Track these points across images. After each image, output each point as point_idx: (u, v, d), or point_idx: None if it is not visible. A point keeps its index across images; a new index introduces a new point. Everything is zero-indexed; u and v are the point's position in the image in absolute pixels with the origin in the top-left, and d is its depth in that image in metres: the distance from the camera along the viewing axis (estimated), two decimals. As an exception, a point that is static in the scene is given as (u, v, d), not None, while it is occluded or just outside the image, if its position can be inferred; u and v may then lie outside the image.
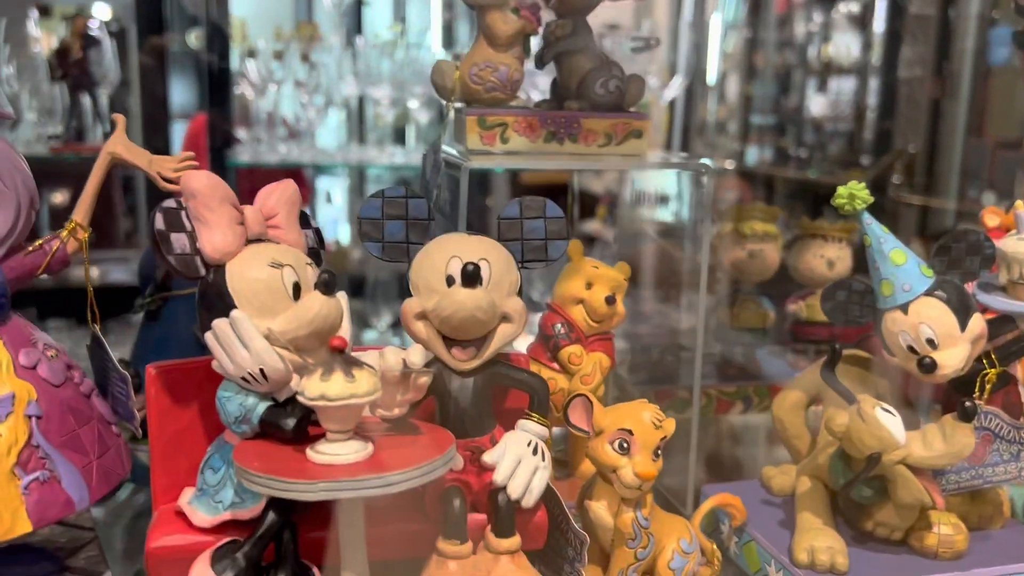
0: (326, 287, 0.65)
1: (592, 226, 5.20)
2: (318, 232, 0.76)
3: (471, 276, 0.68)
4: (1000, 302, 0.82)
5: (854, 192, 0.82)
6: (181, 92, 2.44)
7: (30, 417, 0.67)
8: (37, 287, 0.78)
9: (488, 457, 0.71)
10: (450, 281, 0.70)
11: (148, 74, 1.90)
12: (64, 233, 0.74)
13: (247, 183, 2.85)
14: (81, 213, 0.75)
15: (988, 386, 0.82)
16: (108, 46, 1.80)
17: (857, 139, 3.97)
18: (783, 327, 1.29)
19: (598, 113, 0.98)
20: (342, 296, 0.69)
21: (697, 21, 2.80)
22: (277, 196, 0.70)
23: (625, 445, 0.74)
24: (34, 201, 0.71)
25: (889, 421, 0.77)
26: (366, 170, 2.81)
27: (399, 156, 2.26)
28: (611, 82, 0.97)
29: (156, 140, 1.90)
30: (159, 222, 0.65)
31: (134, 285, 1.12)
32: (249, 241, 0.68)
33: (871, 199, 0.83)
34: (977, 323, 0.80)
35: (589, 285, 0.90)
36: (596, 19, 1.02)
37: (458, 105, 0.99)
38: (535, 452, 0.71)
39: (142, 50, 1.87)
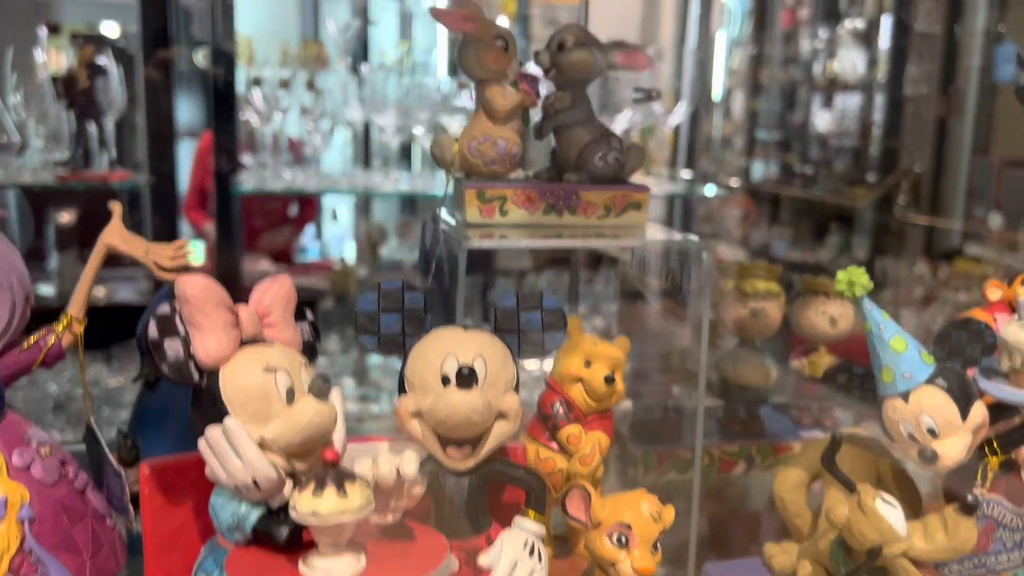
0: (319, 393, 0.65)
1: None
2: (314, 325, 0.75)
3: (466, 379, 0.68)
4: (1002, 390, 0.81)
5: (853, 279, 0.82)
6: (187, 111, 2.44)
7: (23, 521, 0.66)
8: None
9: (484, 560, 0.70)
10: (445, 380, 0.70)
11: (154, 92, 1.90)
12: (60, 327, 0.74)
13: (255, 207, 2.84)
14: (76, 306, 0.74)
15: (990, 474, 0.81)
16: (115, 74, 1.81)
17: (863, 156, 3.95)
18: (787, 384, 1.28)
19: (597, 186, 0.98)
20: (336, 397, 0.68)
21: (702, 41, 2.79)
22: (272, 294, 0.70)
23: (624, 539, 0.73)
24: (29, 298, 0.71)
25: (890, 513, 0.76)
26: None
27: (404, 182, 2.25)
28: (610, 155, 0.97)
29: (162, 159, 1.90)
30: (152, 330, 0.65)
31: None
32: (244, 342, 0.68)
33: (871, 285, 0.82)
34: (979, 412, 0.79)
35: (588, 363, 0.89)
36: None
37: (458, 175, 0.98)
38: (531, 553, 0.71)
39: (148, 67, 1.87)
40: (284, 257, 3.00)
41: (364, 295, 0.74)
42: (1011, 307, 0.98)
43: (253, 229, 2.90)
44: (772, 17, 4.41)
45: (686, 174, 2.73)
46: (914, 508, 0.87)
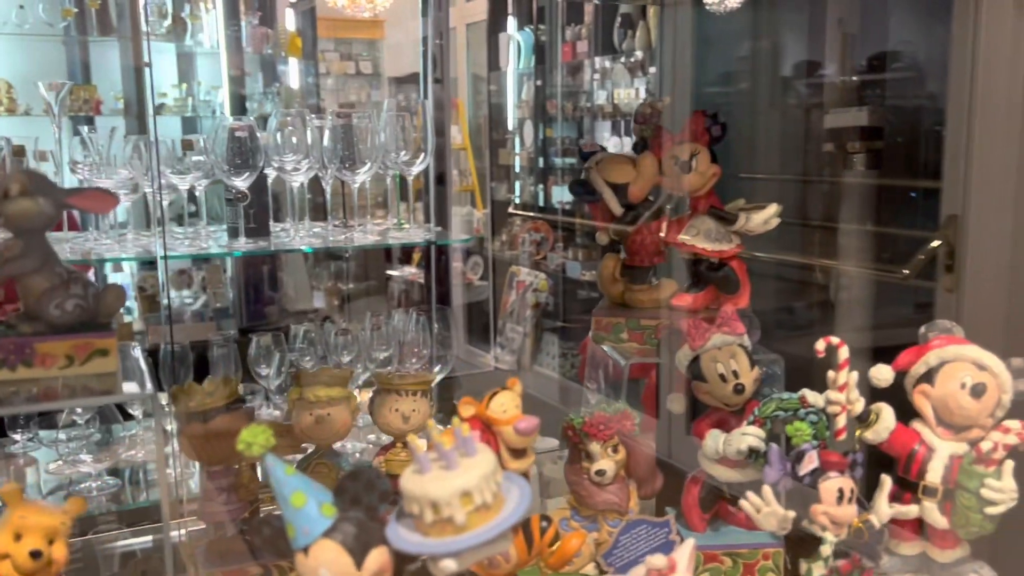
0: None
1: (408, 270, 5.23)
2: None
3: None
4: (400, 539, 0.84)
5: (251, 440, 0.82)
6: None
7: None
8: None
9: None
10: None
11: None
12: None
13: None
14: None
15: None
16: None
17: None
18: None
19: (55, 336, 0.95)
20: None
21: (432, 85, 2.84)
22: None
23: None
24: None
25: None
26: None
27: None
28: (68, 302, 0.94)
29: None
30: None
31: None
32: None
33: (272, 443, 0.83)
34: (375, 560, 0.81)
35: (18, 537, 0.86)
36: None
37: None
38: None
39: None
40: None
41: None
42: (483, 423, 1.02)
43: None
44: (554, 51, 4.55)
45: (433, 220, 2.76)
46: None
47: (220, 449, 1.16)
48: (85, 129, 2.32)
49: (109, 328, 0.97)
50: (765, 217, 1.28)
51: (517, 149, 4.85)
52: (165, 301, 2.92)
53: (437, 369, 1.76)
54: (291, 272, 4.02)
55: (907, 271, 2.14)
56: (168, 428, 1.49)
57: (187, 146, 2.10)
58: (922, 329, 1.12)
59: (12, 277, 0.94)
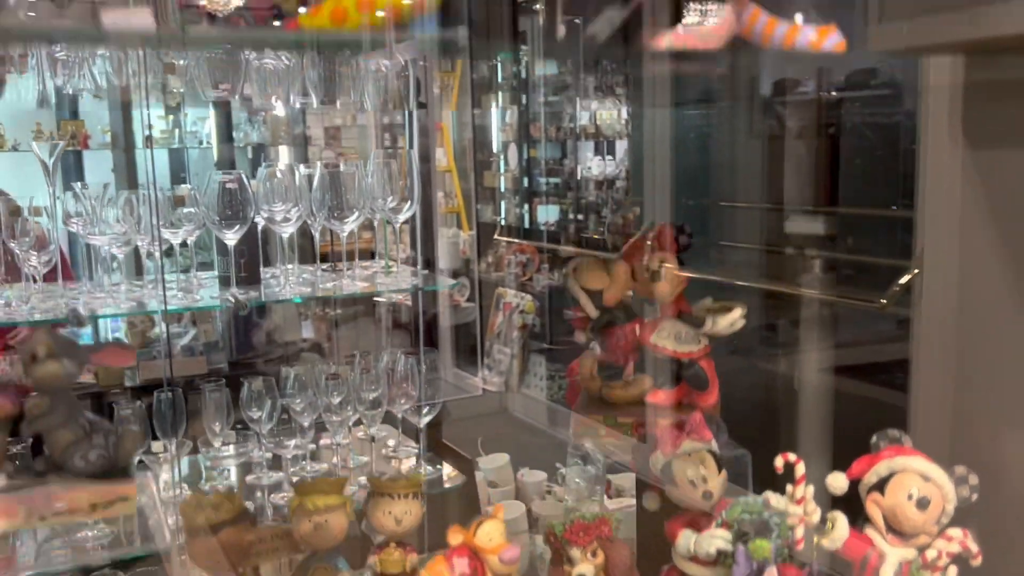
0: None
1: (394, 295, 5.27)
2: None
3: None
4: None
5: None
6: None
7: None
8: None
9: None
10: None
11: None
12: None
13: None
14: None
15: None
16: None
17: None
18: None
19: (80, 485, 1.02)
20: None
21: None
22: None
23: None
24: None
25: None
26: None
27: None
28: (92, 453, 1.02)
29: None
30: None
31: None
32: None
33: None
34: None
35: None
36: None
37: None
38: None
39: None
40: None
41: None
42: (471, 551, 1.10)
43: None
44: (535, 77, 4.61)
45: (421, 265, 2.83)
46: None
47: (227, 559, 1.25)
48: (78, 185, 2.37)
49: (128, 474, 1.04)
50: (731, 320, 1.36)
51: (502, 170, 4.93)
52: (161, 340, 2.97)
53: (426, 411, 1.85)
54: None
55: (884, 300, 2.23)
56: (163, 477, 1.56)
57: (179, 202, 2.15)
58: (873, 439, 1.21)
59: (43, 431, 1.02)
